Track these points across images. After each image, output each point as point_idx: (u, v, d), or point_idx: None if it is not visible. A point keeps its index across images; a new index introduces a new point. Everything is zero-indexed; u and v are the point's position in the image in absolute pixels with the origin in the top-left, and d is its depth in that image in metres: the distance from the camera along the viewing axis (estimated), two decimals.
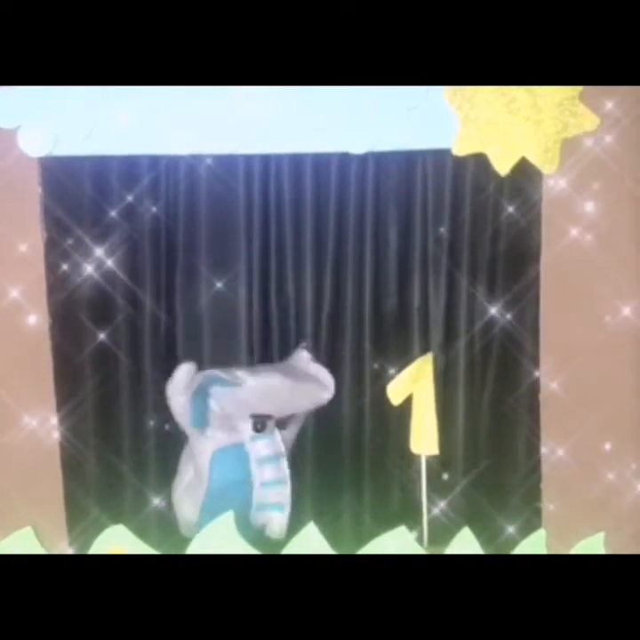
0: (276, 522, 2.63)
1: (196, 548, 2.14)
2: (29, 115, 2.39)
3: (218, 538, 2.11)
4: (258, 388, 2.61)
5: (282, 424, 2.67)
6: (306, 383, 2.68)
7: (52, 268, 2.66)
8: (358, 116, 2.44)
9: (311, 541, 2.13)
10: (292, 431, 2.73)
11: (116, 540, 2.14)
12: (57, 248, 2.66)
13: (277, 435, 2.66)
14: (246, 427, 2.63)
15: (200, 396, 2.61)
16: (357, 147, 2.48)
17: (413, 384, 2.62)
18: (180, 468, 2.70)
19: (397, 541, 2.11)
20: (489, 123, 2.43)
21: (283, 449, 2.66)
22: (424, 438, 2.61)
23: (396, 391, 2.62)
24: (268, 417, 2.64)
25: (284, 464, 2.66)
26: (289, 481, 2.65)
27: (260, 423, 2.63)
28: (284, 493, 2.63)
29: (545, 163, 2.47)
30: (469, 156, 2.48)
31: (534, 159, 2.47)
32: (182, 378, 2.64)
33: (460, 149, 2.47)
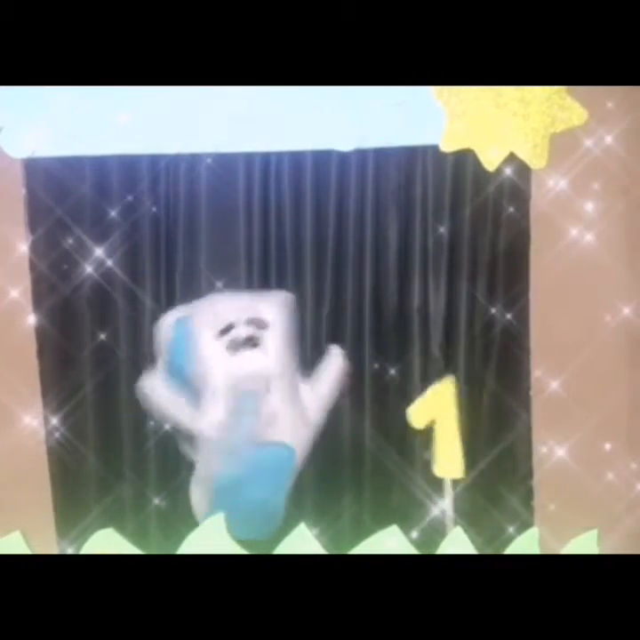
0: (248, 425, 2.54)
1: (187, 548, 2.13)
2: (13, 116, 2.39)
3: (208, 538, 2.10)
4: None
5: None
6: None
7: (52, 268, 2.66)
8: (349, 113, 2.43)
9: (302, 542, 2.12)
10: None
11: (106, 544, 2.12)
12: (57, 248, 2.66)
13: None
14: None
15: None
16: (346, 144, 2.48)
17: (435, 408, 2.56)
18: (198, 466, 2.66)
19: (390, 541, 2.10)
20: (476, 118, 2.42)
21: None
22: (448, 462, 2.55)
23: (417, 415, 2.57)
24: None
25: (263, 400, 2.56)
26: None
27: (233, 344, 2.54)
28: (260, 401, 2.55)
29: (533, 158, 2.46)
30: (463, 153, 2.47)
31: (522, 154, 2.45)
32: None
33: (447, 145, 2.46)
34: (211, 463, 2.57)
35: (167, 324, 2.63)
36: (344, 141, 2.47)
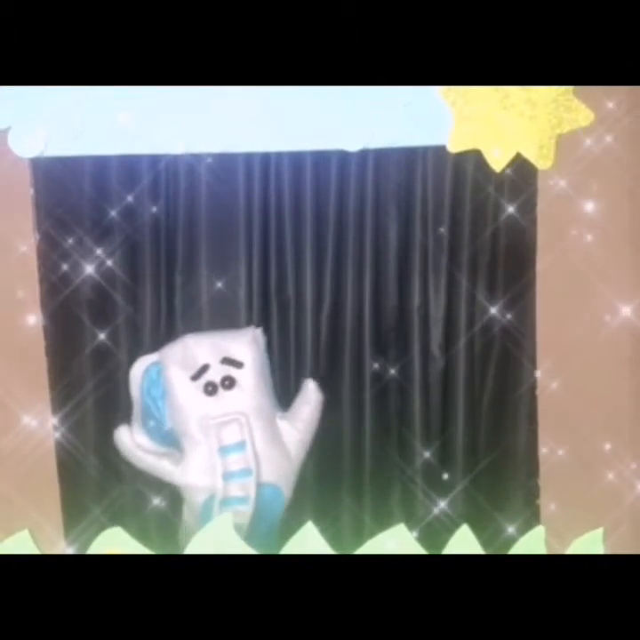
0: (240, 516, 2.46)
1: (193, 549, 2.12)
2: (20, 115, 2.38)
3: (215, 539, 2.09)
4: None
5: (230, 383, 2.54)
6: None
7: (52, 268, 2.66)
8: (354, 113, 2.42)
9: (309, 541, 2.11)
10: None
11: (114, 543, 2.11)
12: (57, 248, 2.66)
13: (243, 420, 2.52)
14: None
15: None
16: (353, 144, 2.47)
17: None
18: (183, 514, 2.64)
19: (396, 540, 2.09)
20: (483, 119, 2.40)
21: (251, 463, 2.51)
22: None
23: None
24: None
25: (251, 480, 2.50)
26: (251, 500, 2.49)
27: (210, 386, 2.51)
28: (250, 484, 2.49)
29: (540, 159, 2.44)
30: (466, 153, 2.46)
31: (529, 155, 2.43)
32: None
33: (454, 146, 2.44)
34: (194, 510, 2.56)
35: (138, 373, 2.61)
36: (351, 142, 2.46)
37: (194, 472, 2.54)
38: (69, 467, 2.70)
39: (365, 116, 2.43)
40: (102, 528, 2.21)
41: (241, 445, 2.51)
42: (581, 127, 2.43)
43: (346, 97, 2.40)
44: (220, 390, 2.53)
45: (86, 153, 2.49)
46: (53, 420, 2.67)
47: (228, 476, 2.50)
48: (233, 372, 2.54)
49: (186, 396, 2.54)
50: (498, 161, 2.44)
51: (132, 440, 2.59)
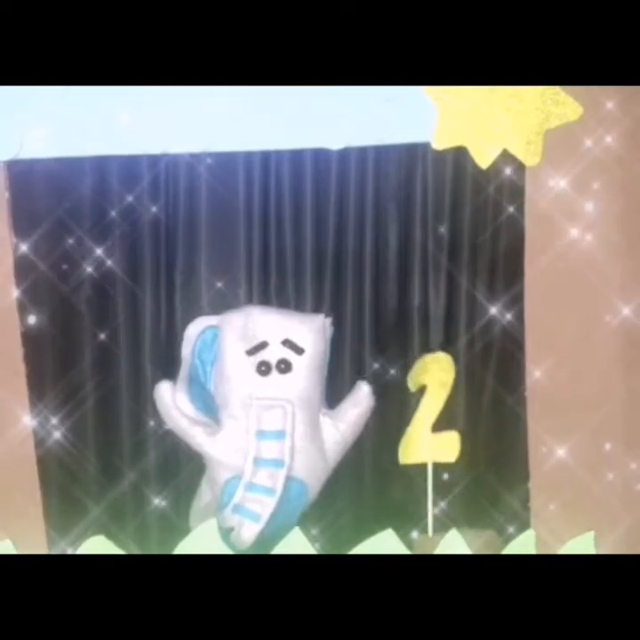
0: (246, 531, 2.37)
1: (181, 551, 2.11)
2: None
3: (201, 544, 2.08)
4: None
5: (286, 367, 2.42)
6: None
7: (52, 267, 2.66)
8: (338, 110, 2.39)
9: (296, 546, 2.09)
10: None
11: (97, 551, 2.09)
12: (57, 248, 2.66)
13: (288, 436, 2.42)
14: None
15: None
16: (337, 142, 2.45)
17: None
18: (201, 488, 2.60)
19: (385, 544, 2.09)
20: (469, 114, 2.35)
21: (286, 456, 2.42)
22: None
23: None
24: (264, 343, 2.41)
25: (281, 473, 2.42)
26: (278, 494, 2.40)
27: (264, 365, 2.41)
28: (279, 476, 2.41)
29: (527, 155, 2.39)
30: (458, 151, 2.43)
31: (516, 151, 2.39)
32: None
33: (439, 142, 2.39)
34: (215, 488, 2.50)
35: (193, 333, 2.54)
36: (334, 140, 2.45)
37: (224, 447, 2.46)
38: (58, 471, 2.70)
39: (351, 114, 2.40)
40: (102, 528, 2.22)
41: (280, 434, 2.42)
42: (570, 121, 2.40)
43: (331, 95, 2.37)
44: (274, 372, 2.42)
45: (91, 153, 2.50)
46: (54, 420, 2.68)
47: (258, 462, 2.42)
48: (291, 356, 2.43)
49: (236, 369, 2.45)
50: (484, 157, 2.39)
51: (172, 398, 2.50)
